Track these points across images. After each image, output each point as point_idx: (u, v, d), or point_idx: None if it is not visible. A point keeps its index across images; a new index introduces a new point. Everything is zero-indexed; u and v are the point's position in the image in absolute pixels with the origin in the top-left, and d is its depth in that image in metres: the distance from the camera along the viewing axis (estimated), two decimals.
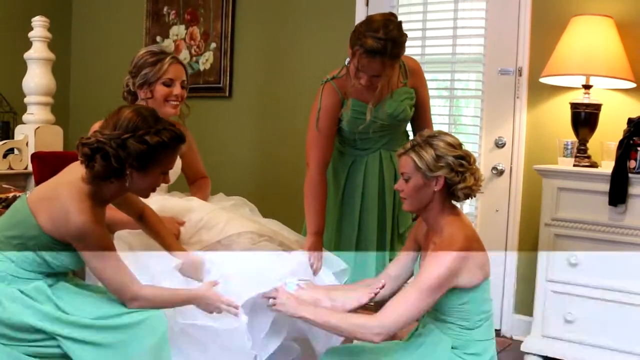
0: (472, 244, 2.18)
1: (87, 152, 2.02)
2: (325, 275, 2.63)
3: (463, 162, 2.20)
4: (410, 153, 2.21)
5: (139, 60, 2.78)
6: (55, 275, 2.13)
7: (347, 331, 2.21)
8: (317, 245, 2.72)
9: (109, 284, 2.08)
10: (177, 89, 2.76)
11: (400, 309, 2.12)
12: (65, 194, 2.03)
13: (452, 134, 2.29)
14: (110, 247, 2.09)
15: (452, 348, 2.19)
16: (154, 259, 2.37)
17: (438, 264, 2.11)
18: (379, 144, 2.89)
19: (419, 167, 2.19)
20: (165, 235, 2.41)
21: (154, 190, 2.17)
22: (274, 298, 2.30)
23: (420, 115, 2.92)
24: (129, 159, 2.02)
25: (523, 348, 3.43)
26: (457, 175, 2.19)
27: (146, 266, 2.33)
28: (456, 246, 2.13)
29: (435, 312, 2.25)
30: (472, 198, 2.28)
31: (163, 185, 2.55)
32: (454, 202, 2.27)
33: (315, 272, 2.64)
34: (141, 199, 2.35)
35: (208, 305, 2.23)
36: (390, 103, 2.79)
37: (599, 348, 3.21)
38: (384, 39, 2.55)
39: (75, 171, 2.10)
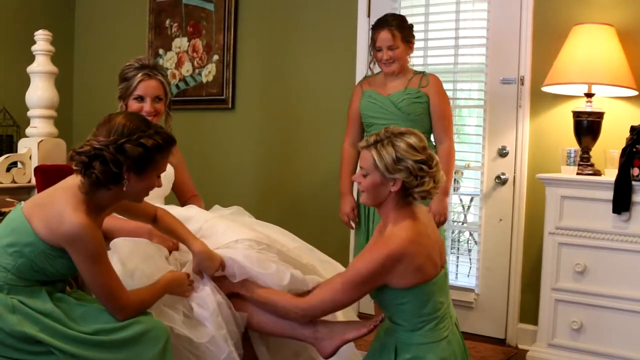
0: (410, 247, 2.15)
1: (85, 160, 2.04)
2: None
3: (423, 167, 2.17)
4: (372, 149, 2.21)
5: (121, 72, 2.88)
6: (52, 283, 2.12)
7: (282, 308, 2.30)
8: (346, 203, 3.37)
9: (99, 290, 2.08)
10: (147, 106, 2.82)
11: (323, 297, 2.22)
12: (60, 199, 2.05)
13: (419, 134, 2.25)
14: (104, 253, 2.09)
15: (395, 354, 2.21)
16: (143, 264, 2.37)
17: (368, 260, 2.16)
18: None
19: (378, 166, 2.19)
20: (181, 230, 2.42)
21: (147, 194, 2.19)
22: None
23: (436, 124, 3.30)
24: (128, 163, 2.04)
25: (528, 357, 3.41)
26: (416, 179, 2.17)
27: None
28: (390, 247, 2.14)
29: (385, 312, 2.30)
30: (429, 199, 2.29)
31: (160, 193, 2.53)
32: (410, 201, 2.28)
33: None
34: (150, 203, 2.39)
35: (180, 287, 2.31)
36: (397, 94, 3.27)
37: (605, 356, 3.19)
38: (387, 16, 3.30)
39: (71, 182, 2.11)
